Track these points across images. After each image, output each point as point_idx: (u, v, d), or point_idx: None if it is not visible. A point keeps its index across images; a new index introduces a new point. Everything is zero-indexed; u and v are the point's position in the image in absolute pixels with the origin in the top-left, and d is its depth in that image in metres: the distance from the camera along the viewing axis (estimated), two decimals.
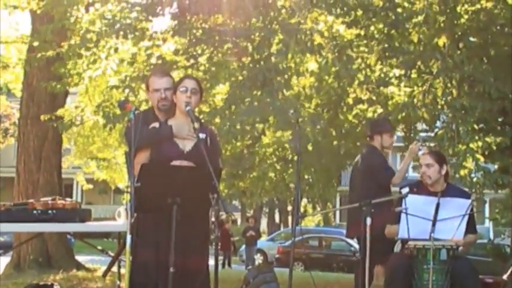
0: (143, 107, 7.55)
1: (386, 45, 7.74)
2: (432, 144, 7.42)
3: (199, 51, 8.25)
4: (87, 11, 8.92)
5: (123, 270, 4.18)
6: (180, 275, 3.58)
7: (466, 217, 4.34)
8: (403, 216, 4.36)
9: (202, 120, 4.79)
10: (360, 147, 8.69)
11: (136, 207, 3.48)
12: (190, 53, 8.19)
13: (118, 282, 4.48)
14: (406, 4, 7.76)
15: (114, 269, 4.80)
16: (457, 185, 5.75)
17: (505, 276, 7.37)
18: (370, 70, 8.00)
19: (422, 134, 9.12)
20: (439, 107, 7.47)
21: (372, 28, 7.90)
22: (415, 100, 7.59)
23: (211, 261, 3.88)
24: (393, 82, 8.16)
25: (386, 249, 4.71)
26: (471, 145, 6.75)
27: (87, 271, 11.40)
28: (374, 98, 8.41)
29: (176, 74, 7.73)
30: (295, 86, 8.42)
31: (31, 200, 4.64)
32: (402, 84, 8.18)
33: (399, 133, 9.15)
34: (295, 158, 7.72)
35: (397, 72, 8.06)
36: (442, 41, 7.33)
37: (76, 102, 11.07)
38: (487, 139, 7.10)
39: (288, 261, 11.70)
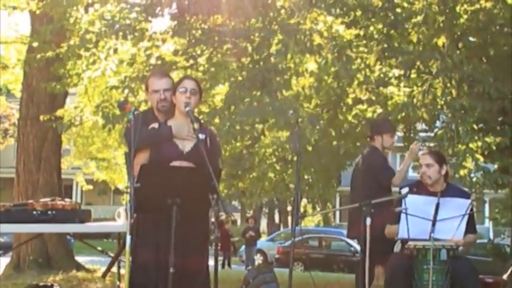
0: (143, 108, 7.56)
1: (385, 46, 7.75)
2: (432, 144, 7.42)
3: (199, 52, 8.26)
4: (86, 11, 8.91)
5: (123, 271, 4.19)
6: (180, 276, 3.58)
7: (466, 217, 4.34)
8: (403, 216, 4.36)
9: (202, 121, 4.79)
10: (360, 147, 8.72)
11: (136, 208, 3.48)
12: (189, 53, 8.19)
13: (118, 283, 4.47)
14: (405, 4, 7.76)
15: (114, 269, 4.80)
16: (457, 185, 5.75)
17: (505, 276, 7.37)
18: (370, 70, 8.00)
19: (422, 134, 9.12)
20: (439, 107, 7.47)
21: (371, 28, 7.91)
22: (415, 100, 7.59)
23: (211, 262, 3.87)
24: (393, 82, 8.17)
25: (386, 249, 4.72)
26: (471, 145, 6.75)
27: (87, 272, 11.40)
28: (373, 98, 8.42)
29: (176, 75, 7.74)
30: (295, 86, 8.41)
31: (31, 201, 4.63)
32: (402, 85, 8.19)
33: (399, 133, 9.15)
34: (295, 158, 7.71)
35: (396, 72, 8.07)
36: (441, 41, 7.33)
37: (75, 103, 11.06)
38: (487, 139, 7.10)
39: (287, 261, 11.69)
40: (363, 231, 4.32)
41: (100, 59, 8.24)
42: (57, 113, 10.28)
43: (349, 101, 8.70)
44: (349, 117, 8.91)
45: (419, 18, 7.48)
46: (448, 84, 7.25)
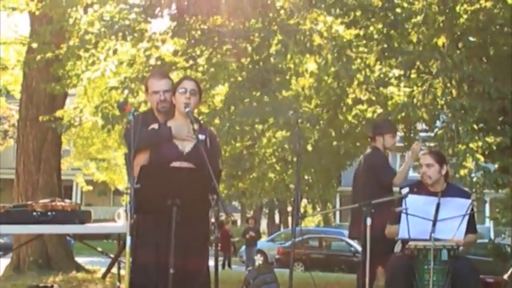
0: (142, 108, 7.55)
1: (385, 46, 7.74)
2: (432, 144, 7.42)
3: (198, 52, 8.25)
4: (85, 12, 8.90)
5: (123, 272, 4.18)
6: (180, 276, 3.58)
7: (467, 217, 4.33)
8: (403, 216, 4.35)
9: (202, 121, 4.79)
10: (360, 147, 8.72)
11: (136, 209, 3.47)
12: (189, 54, 8.19)
13: (118, 284, 4.47)
14: (405, 4, 7.75)
15: (114, 270, 4.80)
16: (457, 184, 5.74)
17: (505, 276, 7.36)
18: (370, 70, 8.00)
19: (422, 134, 9.13)
20: (439, 107, 7.46)
21: (371, 28, 7.90)
22: (415, 100, 7.58)
23: (211, 262, 3.87)
24: (393, 82, 8.16)
25: (387, 249, 4.71)
26: (471, 145, 6.74)
27: (86, 272, 11.39)
28: (373, 98, 8.41)
29: (175, 75, 7.73)
30: (294, 86, 8.41)
31: (30, 202, 4.64)
32: (402, 85, 8.19)
33: (399, 133, 9.15)
34: (295, 158, 7.71)
35: (396, 72, 8.07)
36: (441, 41, 7.33)
37: (75, 104, 11.06)
38: (487, 139, 7.08)
39: (288, 261, 11.69)
40: (363, 231, 4.32)
41: (99, 59, 8.23)
42: (56, 113, 10.27)
43: (349, 101, 8.69)
44: (349, 118, 8.91)
45: (419, 18, 7.47)
46: (448, 84, 7.25)
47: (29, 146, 11.63)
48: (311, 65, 8.31)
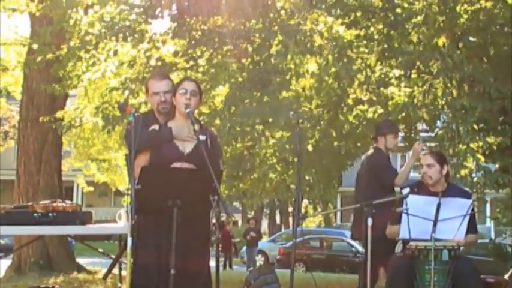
0: (143, 109, 7.56)
1: (386, 46, 7.74)
2: (433, 144, 7.42)
3: (199, 53, 8.25)
4: (86, 13, 8.89)
5: (124, 273, 4.18)
6: (181, 277, 3.58)
7: (467, 217, 4.33)
8: (404, 216, 4.35)
9: (202, 122, 4.79)
10: (361, 147, 8.72)
11: (136, 210, 3.47)
12: (189, 54, 8.19)
13: (119, 285, 4.48)
14: (405, 4, 7.75)
15: (115, 271, 4.81)
16: (458, 185, 5.74)
17: (506, 276, 7.37)
18: (370, 71, 8.00)
19: (423, 134, 9.12)
20: (439, 107, 7.46)
21: (372, 29, 7.90)
22: (415, 100, 7.58)
23: (212, 263, 3.87)
24: (393, 82, 8.16)
25: (387, 250, 4.71)
26: (471, 145, 6.74)
27: (88, 273, 11.39)
28: (374, 98, 8.40)
29: (176, 76, 7.73)
30: (294, 86, 8.41)
31: (31, 203, 4.64)
32: (402, 85, 8.19)
33: (400, 133, 9.14)
34: (296, 159, 7.70)
35: (397, 72, 8.06)
36: (441, 41, 7.33)
37: (75, 105, 11.06)
38: (488, 139, 7.09)
39: (289, 262, 11.65)
40: (364, 231, 4.32)
41: (100, 60, 8.23)
42: (57, 114, 10.27)
43: (350, 101, 8.68)
44: (350, 118, 8.90)
45: (420, 18, 7.47)
46: (449, 84, 7.25)
47: (30, 147, 11.63)
48: (311, 65, 8.31)
